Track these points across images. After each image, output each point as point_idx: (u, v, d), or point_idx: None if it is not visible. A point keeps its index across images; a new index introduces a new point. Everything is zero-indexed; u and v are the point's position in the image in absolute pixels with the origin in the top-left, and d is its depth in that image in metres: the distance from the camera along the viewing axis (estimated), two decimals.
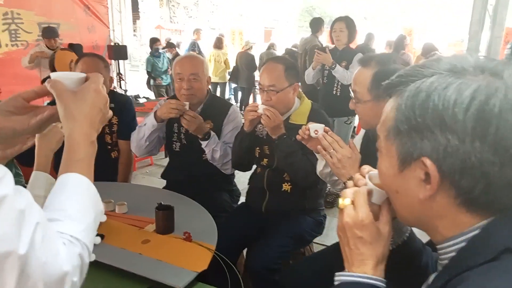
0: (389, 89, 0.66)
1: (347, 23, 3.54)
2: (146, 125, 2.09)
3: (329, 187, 2.63)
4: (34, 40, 5.27)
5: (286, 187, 1.91)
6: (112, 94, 2.47)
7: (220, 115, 2.19)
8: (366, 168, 0.78)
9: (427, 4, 22.35)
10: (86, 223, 0.68)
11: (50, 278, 0.57)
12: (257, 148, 1.97)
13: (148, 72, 7.03)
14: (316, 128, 1.44)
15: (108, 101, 0.80)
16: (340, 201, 0.72)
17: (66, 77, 0.76)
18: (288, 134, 1.79)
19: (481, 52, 4.06)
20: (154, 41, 7.17)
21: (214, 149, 2.06)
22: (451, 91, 0.56)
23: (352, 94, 1.49)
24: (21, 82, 5.05)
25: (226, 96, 8.37)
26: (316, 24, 4.82)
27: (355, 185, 0.75)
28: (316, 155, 1.59)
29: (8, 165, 0.56)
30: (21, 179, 2.00)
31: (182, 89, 2.09)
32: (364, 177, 0.75)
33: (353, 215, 0.70)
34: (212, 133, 2.07)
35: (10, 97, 0.79)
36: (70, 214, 0.67)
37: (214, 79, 7.80)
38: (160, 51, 7.05)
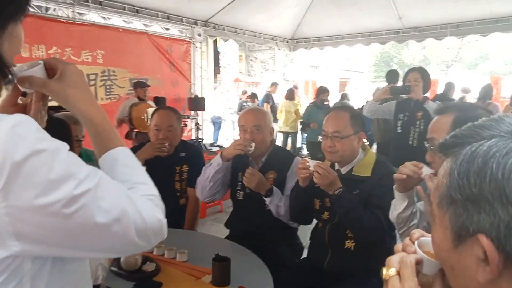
0: (443, 150, 0.58)
1: (421, 74, 3.41)
2: (211, 165, 2.14)
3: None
4: (125, 94, 5.89)
5: (349, 244, 1.81)
6: (184, 143, 2.61)
7: (283, 166, 2.19)
8: (417, 232, 0.68)
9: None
10: (149, 181, 0.78)
11: (155, 228, 0.70)
12: (318, 200, 1.91)
13: (303, 122, 7.12)
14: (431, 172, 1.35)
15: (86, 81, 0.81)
16: (384, 270, 0.63)
17: (31, 70, 0.74)
18: (349, 188, 1.71)
19: None
20: (322, 91, 7.24)
21: (278, 205, 2.03)
22: None
23: (427, 145, 1.40)
24: None
25: (298, 146, 8.39)
26: (392, 75, 4.74)
27: (404, 250, 0.66)
28: (396, 196, 1.48)
29: None
30: None
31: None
32: (414, 243, 0.66)
33: None
34: (275, 189, 2.05)
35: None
36: (136, 181, 0.76)
37: (285, 128, 7.96)
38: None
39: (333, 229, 1.85)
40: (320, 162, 1.73)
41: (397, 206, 1.49)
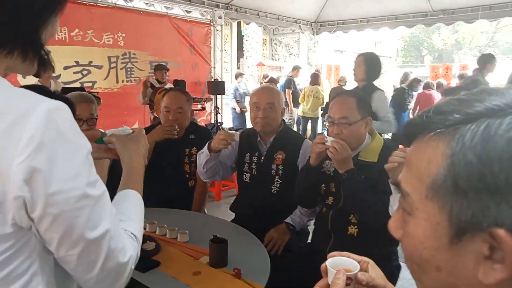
0: (428, 126, 0.49)
1: (365, 58, 3.32)
2: (203, 153, 2.10)
3: None
4: (145, 76, 5.94)
5: (352, 230, 1.77)
6: (194, 126, 2.61)
7: (292, 147, 2.17)
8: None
9: None
10: (140, 225, 0.87)
11: (120, 262, 0.73)
12: (323, 185, 1.88)
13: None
14: None
15: (148, 145, 1.07)
16: None
17: (119, 132, 1.06)
18: (357, 171, 1.67)
19: None
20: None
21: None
22: None
23: None
24: (131, 113, 5.72)
25: (319, 131, 8.29)
26: (482, 60, 4.50)
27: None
28: (393, 190, 1.44)
29: None
30: None
31: (258, 117, 2.14)
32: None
33: None
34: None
35: None
36: (130, 217, 0.85)
37: (308, 113, 7.85)
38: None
39: (336, 215, 1.82)
40: (338, 139, 1.68)
41: (396, 201, 1.43)
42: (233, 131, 2.00)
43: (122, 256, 0.73)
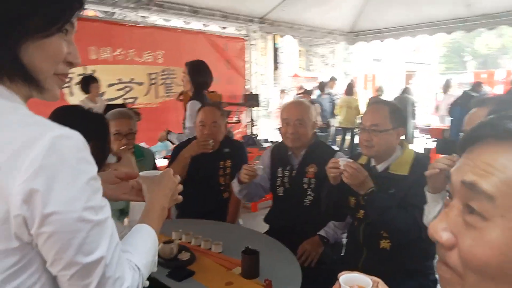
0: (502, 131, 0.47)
1: (189, 68, 3.36)
2: (235, 183, 2.19)
3: None
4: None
5: (384, 244, 1.75)
6: (227, 140, 2.69)
7: (324, 160, 2.17)
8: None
9: None
10: (147, 260, 0.89)
11: None
12: (353, 198, 1.87)
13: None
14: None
15: (177, 184, 1.09)
16: None
17: (150, 174, 1.15)
18: (384, 186, 1.65)
19: None
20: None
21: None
22: None
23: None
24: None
25: (356, 141, 8.18)
26: None
27: None
28: (429, 198, 1.41)
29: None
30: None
31: (288, 133, 2.18)
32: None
33: None
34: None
35: (107, 171, 1.14)
36: (138, 250, 0.88)
37: (345, 124, 7.81)
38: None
39: (368, 228, 1.80)
40: (351, 161, 1.68)
41: (431, 210, 1.41)
42: (257, 166, 2.08)
43: (119, 285, 0.74)
